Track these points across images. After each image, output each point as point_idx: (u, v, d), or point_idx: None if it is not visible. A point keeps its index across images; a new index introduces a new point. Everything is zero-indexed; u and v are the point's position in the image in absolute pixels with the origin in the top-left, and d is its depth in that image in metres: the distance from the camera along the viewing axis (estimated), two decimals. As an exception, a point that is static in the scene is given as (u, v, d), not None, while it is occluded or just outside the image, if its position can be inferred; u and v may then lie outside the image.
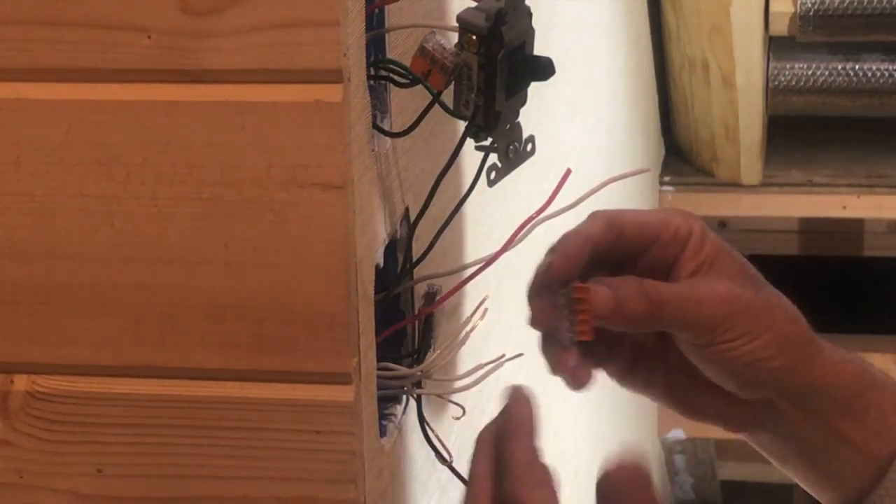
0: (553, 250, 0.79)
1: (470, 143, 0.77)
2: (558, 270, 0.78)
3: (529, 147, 0.79)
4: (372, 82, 0.72)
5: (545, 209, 0.81)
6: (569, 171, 0.80)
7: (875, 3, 2.22)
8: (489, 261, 0.80)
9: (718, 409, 0.85)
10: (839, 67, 2.35)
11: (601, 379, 0.82)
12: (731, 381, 0.82)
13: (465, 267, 0.83)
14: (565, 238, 0.79)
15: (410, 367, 0.80)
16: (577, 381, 0.79)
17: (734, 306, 0.80)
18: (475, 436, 0.74)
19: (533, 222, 0.81)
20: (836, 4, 2.23)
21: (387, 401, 0.78)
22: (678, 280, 0.81)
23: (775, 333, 0.81)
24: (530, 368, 0.83)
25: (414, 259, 0.79)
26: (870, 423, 0.83)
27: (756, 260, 0.85)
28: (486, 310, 0.83)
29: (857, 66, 2.34)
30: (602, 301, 0.78)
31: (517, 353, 0.85)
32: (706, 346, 0.80)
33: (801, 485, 0.88)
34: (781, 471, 0.90)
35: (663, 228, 0.81)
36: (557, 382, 0.78)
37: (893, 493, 0.83)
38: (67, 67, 0.68)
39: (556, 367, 0.79)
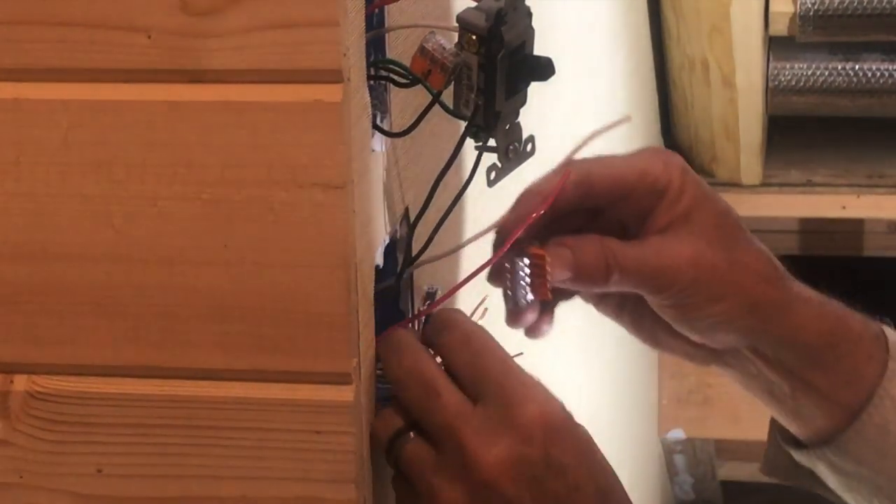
0: (512, 207, 0.79)
1: (470, 142, 0.76)
2: (508, 231, 0.78)
3: (529, 147, 0.79)
4: (372, 82, 0.72)
5: (545, 209, 0.80)
6: (568, 173, 0.80)
7: (875, 3, 2.22)
8: (489, 261, 0.80)
9: (684, 348, 0.85)
10: (839, 67, 2.35)
11: (601, 381, 0.82)
12: (694, 335, 0.82)
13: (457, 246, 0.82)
14: (525, 195, 0.79)
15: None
16: (535, 333, 0.81)
17: (699, 271, 0.79)
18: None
19: (533, 223, 0.81)
20: (836, 4, 2.23)
21: (387, 401, 0.78)
22: (649, 234, 0.80)
23: (742, 296, 0.80)
24: (529, 368, 0.83)
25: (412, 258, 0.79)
26: (840, 374, 0.83)
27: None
28: (486, 309, 0.83)
29: (857, 66, 2.34)
30: (560, 265, 0.78)
31: (517, 352, 0.85)
32: (669, 306, 0.81)
33: (768, 408, 0.88)
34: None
35: (640, 181, 0.80)
36: (558, 383, 0.78)
37: (864, 435, 0.83)
38: (67, 67, 0.68)
39: (514, 321, 0.80)
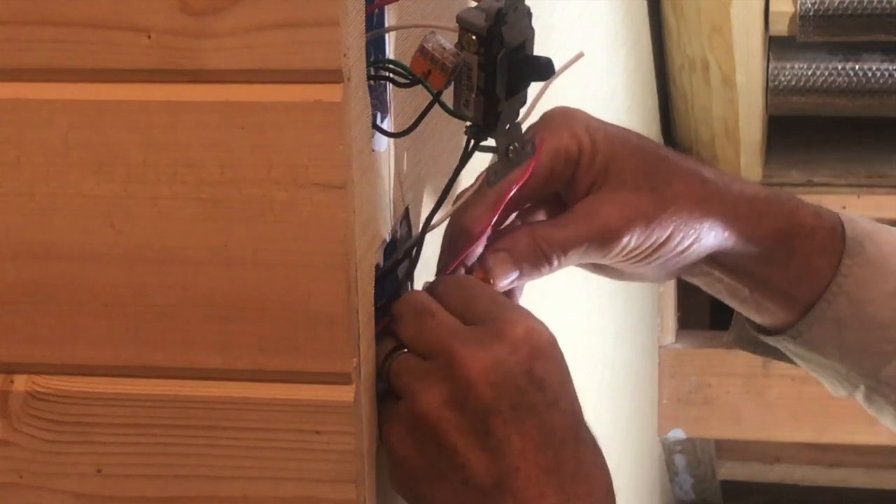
0: (446, 246, 0.81)
1: (463, 139, 0.76)
2: (446, 268, 0.80)
3: (529, 147, 0.79)
4: (372, 82, 0.72)
5: (521, 181, 0.81)
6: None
7: (875, 3, 2.22)
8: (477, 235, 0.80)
9: (642, 275, 0.86)
10: (839, 67, 2.35)
11: (600, 380, 0.82)
12: (651, 278, 0.85)
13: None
14: (455, 233, 0.80)
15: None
16: None
17: (632, 221, 0.80)
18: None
19: (512, 191, 0.81)
20: (836, 4, 2.23)
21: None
22: (575, 202, 0.81)
23: (684, 226, 0.81)
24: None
25: (401, 257, 0.79)
26: (794, 269, 0.84)
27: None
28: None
29: (857, 66, 2.34)
30: (502, 271, 0.79)
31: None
32: (623, 260, 0.82)
33: (734, 308, 0.89)
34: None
35: (553, 161, 0.81)
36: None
37: (821, 329, 0.84)
38: (67, 67, 0.68)
39: None
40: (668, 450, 2.68)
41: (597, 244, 0.80)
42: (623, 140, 0.82)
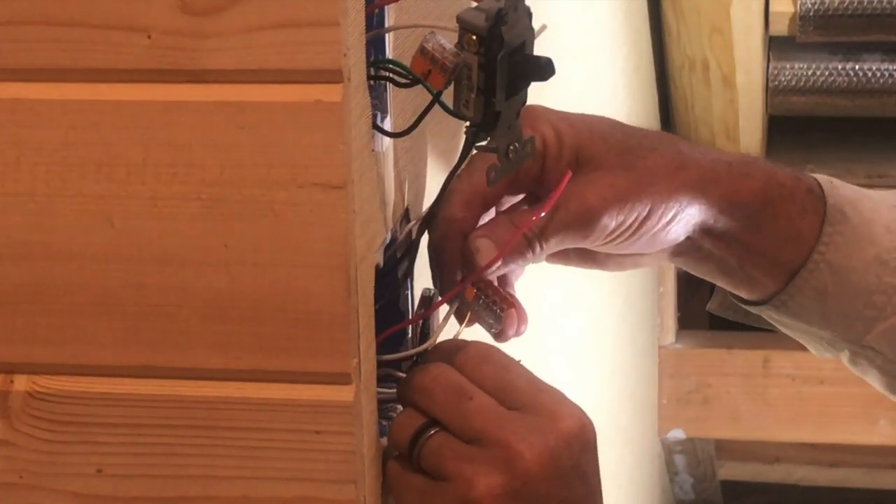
0: (433, 262, 0.80)
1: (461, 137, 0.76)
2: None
3: (529, 147, 0.79)
4: (372, 82, 0.72)
5: (545, 212, 0.80)
6: (569, 175, 0.80)
7: (875, 3, 2.22)
8: (488, 264, 0.80)
9: (635, 260, 0.86)
10: (839, 67, 2.35)
11: (600, 380, 0.82)
12: (645, 252, 0.84)
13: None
14: (434, 252, 0.80)
15: (410, 368, 0.80)
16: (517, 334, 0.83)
17: (610, 202, 0.80)
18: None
19: (538, 219, 0.81)
20: (836, 4, 2.23)
21: (387, 403, 0.78)
22: (550, 191, 0.81)
23: (662, 199, 0.81)
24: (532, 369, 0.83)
25: (399, 257, 0.79)
26: (778, 231, 0.84)
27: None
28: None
29: (857, 66, 2.34)
30: (486, 255, 0.79)
31: (518, 357, 0.85)
32: (607, 243, 0.82)
33: (722, 286, 0.89)
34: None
35: None
36: (558, 383, 0.78)
37: (803, 298, 0.85)
38: (67, 67, 0.68)
39: (504, 339, 0.81)
40: (668, 450, 2.68)
41: (576, 227, 0.80)
42: (588, 126, 0.82)
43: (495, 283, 0.81)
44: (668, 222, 0.82)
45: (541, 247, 0.80)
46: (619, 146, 0.81)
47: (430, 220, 0.79)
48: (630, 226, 0.81)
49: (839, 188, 0.85)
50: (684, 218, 0.82)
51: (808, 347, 0.90)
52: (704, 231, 0.84)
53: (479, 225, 0.81)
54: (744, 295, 0.88)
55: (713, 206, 0.82)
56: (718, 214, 0.83)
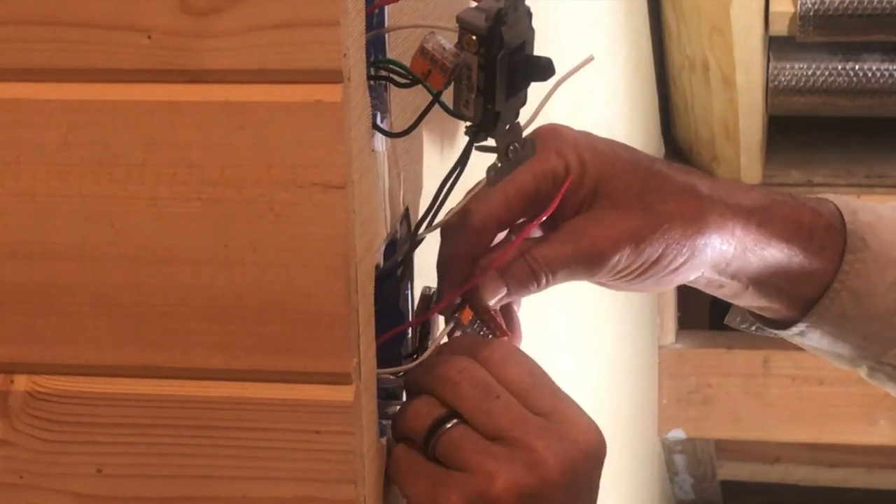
0: (439, 278, 0.81)
1: (465, 139, 0.76)
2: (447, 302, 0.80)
3: (529, 147, 0.79)
4: (372, 82, 0.72)
5: (546, 214, 0.80)
6: (570, 179, 0.80)
7: (875, 3, 2.22)
8: (488, 265, 0.80)
9: (638, 289, 0.86)
10: (839, 67, 2.35)
11: (601, 380, 0.82)
12: (650, 290, 0.85)
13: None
14: (441, 269, 0.80)
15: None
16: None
17: (620, 246, 0.80)
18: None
19: (533, 228, 0.81)
20: (836, 4, 2.23)
21: (387, 400, 0.78)
22: (565, 221, 0.81)
23: (675, 244, 0.81)
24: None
25: (401, 258, 0.79)
26: (793, 271, 0.84)
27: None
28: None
29: (857, 66, 2.34)
30: (492, 289, 0.79)
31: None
32: (613, 280, 0.82)
33: (749, 306, 0.89)
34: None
35: (540, 183, 0.80)
36: (558, 384, 0.78)
37: (824, 323, 0.85)
38: (67, 67, 0.68)
39: None
40: (668, 450, 2.68)
41: (584, 265, 0.80)
42: (613, 157, 0.81)
43: (497, 308, 0.81)
44: (678, 267, 0.82)
45: (547, 280, 0.80)
46: (641, 185, 0.81)
47: (425, 221, 0.79)
48: (638, 268, 0.81)
49: (859, 213, 0.85)
50: (696, 263, 0.82)
51: (826, 360, 0.90)
52: (718, 270, 0.84)
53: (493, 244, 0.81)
54: (762, 314, 0.88)
55: (727, 252, 0.82)
56: (732, 259, 0.83)
